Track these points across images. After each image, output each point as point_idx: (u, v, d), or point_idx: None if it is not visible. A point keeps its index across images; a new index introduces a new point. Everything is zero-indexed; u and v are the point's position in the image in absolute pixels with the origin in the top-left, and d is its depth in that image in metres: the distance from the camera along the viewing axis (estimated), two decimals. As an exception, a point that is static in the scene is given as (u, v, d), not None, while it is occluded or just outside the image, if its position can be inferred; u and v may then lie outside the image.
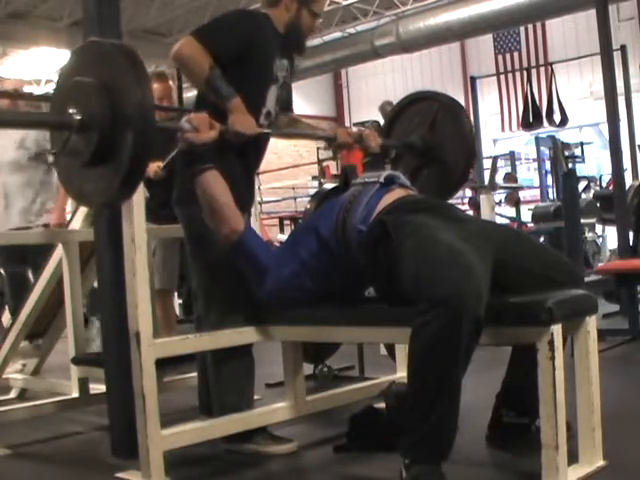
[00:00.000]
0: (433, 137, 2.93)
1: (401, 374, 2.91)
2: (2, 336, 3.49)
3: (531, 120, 10.91)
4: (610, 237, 9.19)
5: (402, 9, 10.98)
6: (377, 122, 6.36)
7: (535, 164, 11.71)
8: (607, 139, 5.92)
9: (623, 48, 8.45)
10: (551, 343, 1.92)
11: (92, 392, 3.21)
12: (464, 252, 2.00)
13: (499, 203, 9.22)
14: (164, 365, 2.41)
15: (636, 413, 2.80)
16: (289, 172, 12.94)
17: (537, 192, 11.50)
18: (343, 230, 2.29)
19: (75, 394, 3.21)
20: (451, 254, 1.99)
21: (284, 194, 12.70)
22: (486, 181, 7.05)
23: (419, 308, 1.93)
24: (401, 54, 11.64)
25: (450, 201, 3.11)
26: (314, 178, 10.29)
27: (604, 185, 9.57)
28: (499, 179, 9.04)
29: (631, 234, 5.36)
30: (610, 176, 7.47)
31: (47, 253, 3.35)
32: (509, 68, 15.15)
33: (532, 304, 1.99)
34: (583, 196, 8.33)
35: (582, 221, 6.59)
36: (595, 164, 12.99)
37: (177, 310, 6.35)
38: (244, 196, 2.59)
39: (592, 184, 9.28)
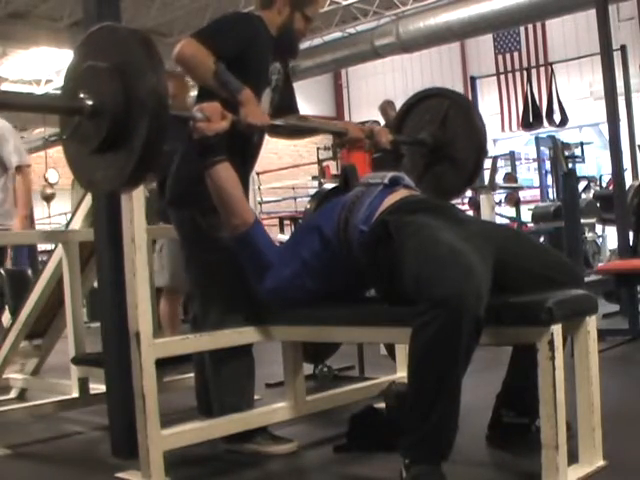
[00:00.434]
0: (444, 134, 2.92)
1: (401, 374, 2.91)
2: (2, 336, 3.49)
3: (531, 120, 10.91)
4: (610, 237, 9.19)
5: (402, 9, 10.98)
6: (377, 122, 6.37)
7: (535, 164, 11.71)
8: (607, 139, 5.92)
9: (623, 48, 8.45)
10: (551, 343, 1.92)
11: (92, 392, 3.21)
12: (465, 252, 2.00)
13: (499, 203, 9.21)
14: (164, 365, 2.41)
15: (636, 413, 2.80)
16: (289, 172, 12.94)
17: (537, 192, 11.50)
18: (345, 230, 2.30)
19: (75, 394, 3.21)
20: (452, 254, 1.99)
21: (284, 194, 12.70)
22: (486, 181, 7.04)
23: (419, 308, 1.93)
24: (401, 54, 11.62)
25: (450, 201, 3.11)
26: (314, 178, 10.29)
27: (604, 185, 9.57)
28: (499, 179, 9.03)
29: (631, 234, 5.36)
30: (610, 176, 7.46)
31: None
32: (509, 68, 15.14)
33: (532, 304, 1.99)
34: (583, 196, 8.33)
35: (582, 221, 6.59)
36: (595, 164, 12.99)
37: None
38: None
39: (592, 184, 9.28)
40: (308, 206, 2.96)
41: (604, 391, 2.17)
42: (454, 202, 3.22)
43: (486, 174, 7.16)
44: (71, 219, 3.39)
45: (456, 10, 9.92)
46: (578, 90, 13.86)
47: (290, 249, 2.44)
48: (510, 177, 9.91)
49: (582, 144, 9.74)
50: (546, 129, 11.52)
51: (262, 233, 2.43)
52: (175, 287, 4.12)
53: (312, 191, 9.29)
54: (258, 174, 10.48)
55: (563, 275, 2.24)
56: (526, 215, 9.23)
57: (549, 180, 10.59)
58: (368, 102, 15.55)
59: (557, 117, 10.96)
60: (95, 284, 3.26)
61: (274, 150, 15.54)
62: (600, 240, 9.78)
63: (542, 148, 10.61)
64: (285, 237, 5.94)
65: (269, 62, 2.63)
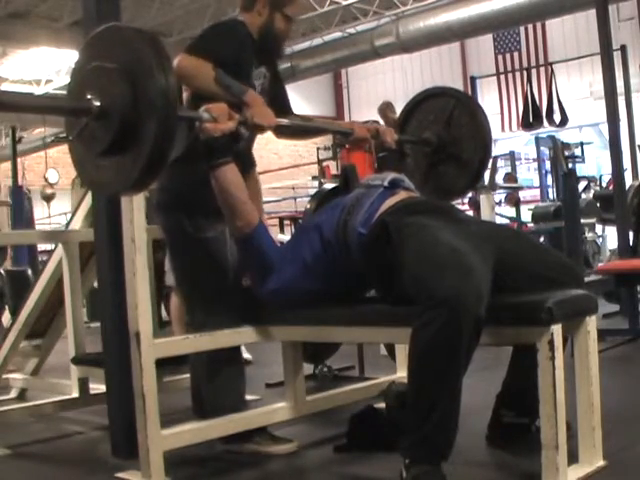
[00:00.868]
0: (449, 133, 2.91)
1: (401, 374, 2.91)
2: (2, 336, 3.49)
3: (531, 120, 10.90)
4: (610, 237, 9.19)
5: (402, 9, 10.95)
6: (377, 122, 6.36)
7: (535, 164, 11.71)
8: (607, 139, 5.92)
9: (623, 48, 8.46)
10: (551, 343, 1.92)
11: (92, 392, 3.21)
12: (465, 252, 2.00)
13: (499, 203, 9.21)
14: (164, 365, 2.41)
15: (636, 413, 2.80)
16: (289, 172, 12.93)
17: (537, 192, 11.50)
18: (344, 232, 2.29)
19: (75, 394, 3.21)
20: (452, 254, 1.99)
21: (284, 194, 12.69)
22: (486, 181, 7.04)
23: (419, 308, 1.93)
24: (401, 54, 11.63)
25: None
26: (314, 178, 10.27)
27: (604, 185, 9.57)
28: (499, 179, 9.03)
29: (631, 234, 5.36)
30: (610, 176, 7.46)
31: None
32: (509, 68, 15.15)
33: (532, 304, 1.99)
34: (583, 196, 8.33)
35: (582, 221, 6.60)
36: (595, 164, 12.99)
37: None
38: None
39: (592, 184, 9.28)
40: (308, 206, 2.96)
41: (604, 391, 2.17)
42: (454, 202, 3.22)
43: (486, 174, 7.16)
44: (71, 219, 3.39)
45: (456, 10, 9.92)
46: (578, 90, 13.86)
47: (291, 250, 2.44)
48: (510, 177, 9.91)
49: (582, 144, 9.73)
50: (546, 129, 11.52)
51: (265, 235, 2.43)
52: None
53: (312, 191, 9.28)
54: (258, 174, 10.45)
55: (563, 275, 2.24)
56: (526, 215, 9.23)
57: (549, 180, 10.59)
58: (368, 102, 15.54)
59: (557, 117, 10.95)
60: (95, 284, 3.26)
61: (274, 150, 15.55)
62: (600, 240, 9.78)
63: (542, 148, 10.61)
64: (285, 237, 5.94)
65: (251, 67, 2.59)
